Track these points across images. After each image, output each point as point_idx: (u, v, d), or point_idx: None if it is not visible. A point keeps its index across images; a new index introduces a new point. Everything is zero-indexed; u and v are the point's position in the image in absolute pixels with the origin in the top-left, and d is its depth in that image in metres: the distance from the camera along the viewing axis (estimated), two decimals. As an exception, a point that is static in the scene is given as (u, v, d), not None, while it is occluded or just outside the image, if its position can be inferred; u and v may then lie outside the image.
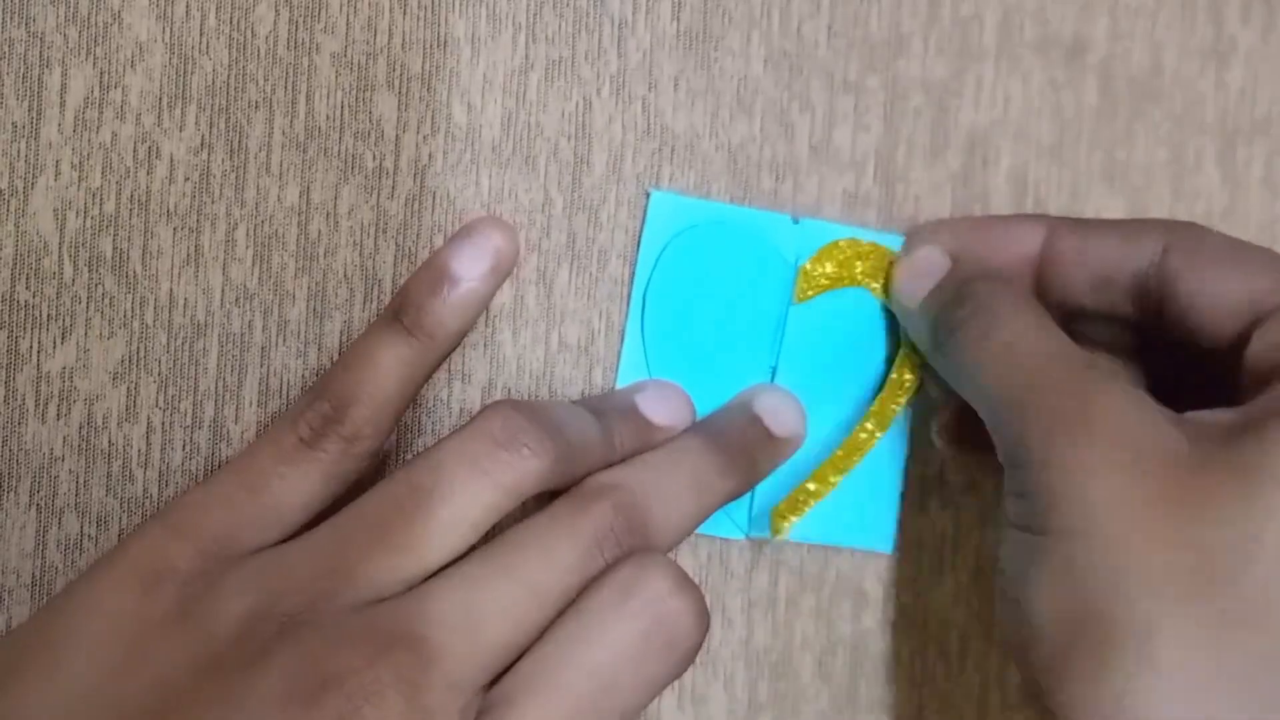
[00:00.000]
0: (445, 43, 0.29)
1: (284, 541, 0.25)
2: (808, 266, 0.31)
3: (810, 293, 0.31)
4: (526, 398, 0.30)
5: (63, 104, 0.28)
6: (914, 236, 0.31)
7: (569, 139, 0.30)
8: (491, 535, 0.25)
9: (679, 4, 0.31)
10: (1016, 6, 0.33)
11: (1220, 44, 0.34)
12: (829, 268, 0.31)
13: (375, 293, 0.29)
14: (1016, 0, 0.33)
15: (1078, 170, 0.33)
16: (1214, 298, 0.27)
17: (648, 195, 0.30)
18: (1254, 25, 0.34)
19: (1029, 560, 0.25)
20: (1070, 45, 0.33)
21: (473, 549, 0.25)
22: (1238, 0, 0.34)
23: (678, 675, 0.24)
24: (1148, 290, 0.28)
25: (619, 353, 0.30)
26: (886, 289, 0.31)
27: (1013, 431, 0.26)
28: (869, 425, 0.31)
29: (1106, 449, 0.24)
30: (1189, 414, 0.26)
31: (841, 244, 0.31)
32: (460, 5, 0.29)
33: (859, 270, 0.31)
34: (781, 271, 0.31)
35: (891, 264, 0.31)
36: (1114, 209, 0.34)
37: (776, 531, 0.30)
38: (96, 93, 0.28)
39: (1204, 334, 0.27)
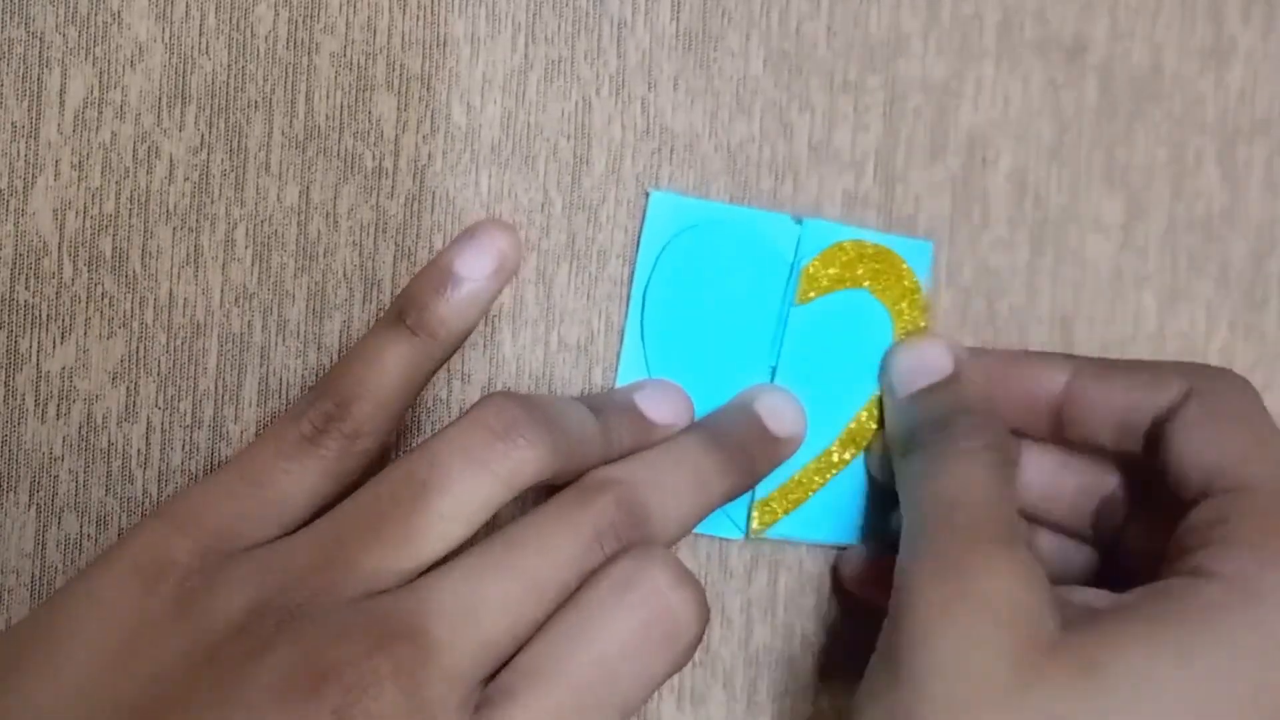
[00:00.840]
0: (445, 43, 0.29)
1: (284, 537, 0.25)
2: (811, 268, 0.31)
3: (812, 294, 0.31)
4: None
5: (62, 104, 0.28)
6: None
7: (568, 139, 0.30)
8: (492, 531, 0.25)
9: (678, 4, 0.31)
10: (1016, 6, 0.33)
11: (1220, 44, 0.34)
12: (832, 270, 0.31)
13: (375, 293, 0.29)
14: (1016, 0, 0.33)
15: (1078, 170, 0.33)
16: (1192, 456, 0.27)
17: (647, 195, 0.30)
18: (1254, 25, 0.34)
19: (871, 680, 0.26)
20: (1070, 45, 0.33)
21: (472, 541, 0.25)
22: (1238, 0, 0.34)
23: (678, 669, 0.25)
24: (1157, 433, 0.28)
25: (618, 353, 0.30)
26: (887, 291, 0.31)
27: (910, 553, 0.27)
28: (842, 448, 0.31)
29: (970, 614, 0.25)
30: (1077, 590, 0.26)
31: (845, 246, 0.31)
32: (459, 5, 0.30)
33: (861, 272, 0.31)
34: (781, 271, 0.31)
35: (895, 345, 0.31)
36: (1114, 209, 0.34)
37: (755, 532, 0.31)
38: (96, 92, 0.28)
39: (1173, 487, 0.27)
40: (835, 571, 0.32)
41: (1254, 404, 0.27)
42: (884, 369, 0.31)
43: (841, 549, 0.32)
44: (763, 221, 0.31)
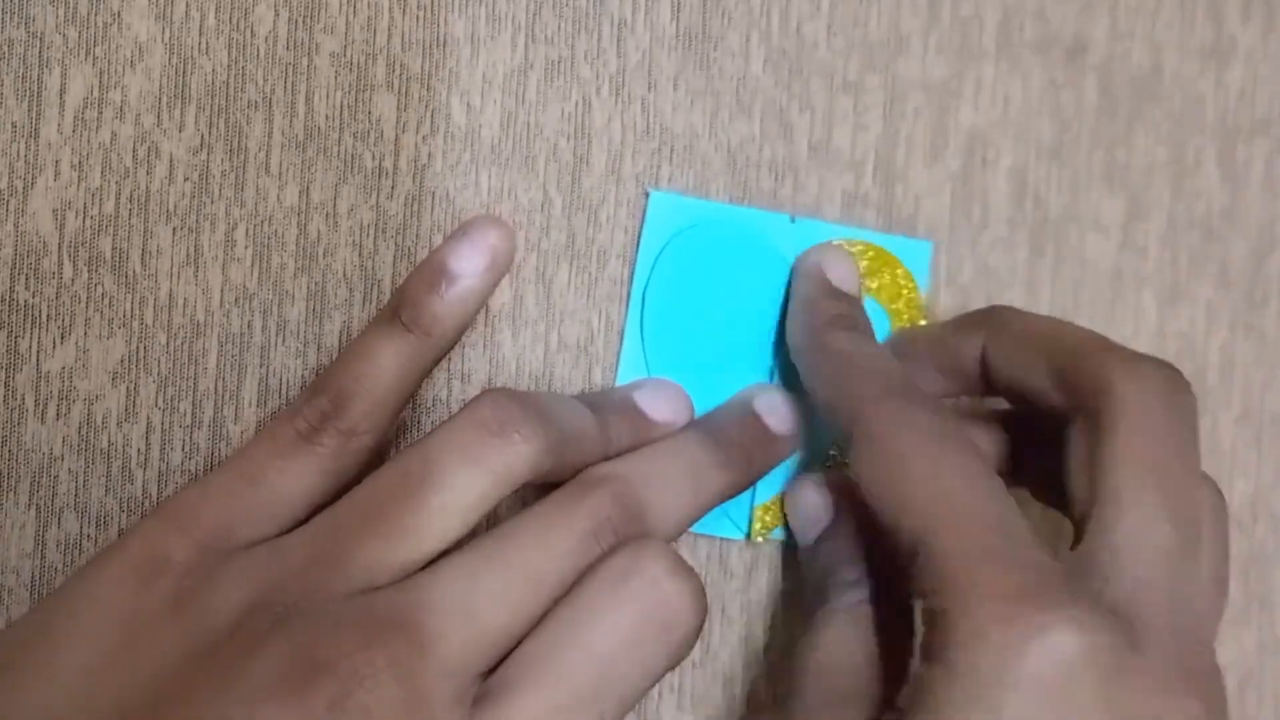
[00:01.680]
0: (444, 43, 0.30)
1: (282, 535, 0.25)
2: None
3: None
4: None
5: (62, 104, 0.28)
6: (901, 345, 0.30)
7: (568, 139, 0.30)
8: (490, 527, 0.25)
9: (678, 4, 0.31)
10: (1016, 6, 0.33)
11: (1220, 44, 0.34)
12: None
13: (375, 293, 0.29)
14: (1016, 0, 0.33)
15: (1078, 170, 0.33)
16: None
17: (647, 195, 0.30)
18: (1254, 25, 0.34)
19: None
20: (1070, 45, 0.33)
21: (471, 536, 0.25)
22: (1238, 0, 0.34)
23: (677, 661, 0.25)
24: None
25: (618, 352, 0.30)
26: (884, 291, 0.31)
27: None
28: (840, 449, 0.31)
29: None
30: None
31: (841, 245, 0.31)
32: (459, 5, 0.30)
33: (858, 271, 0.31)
34: (780, 271, 0.31)
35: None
36: (1114, 209, 0.34)
37: (756, 536, 0.31)
38: (96, 93, 0.28)
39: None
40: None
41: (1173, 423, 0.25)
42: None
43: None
44: (762, 221, 0.31)
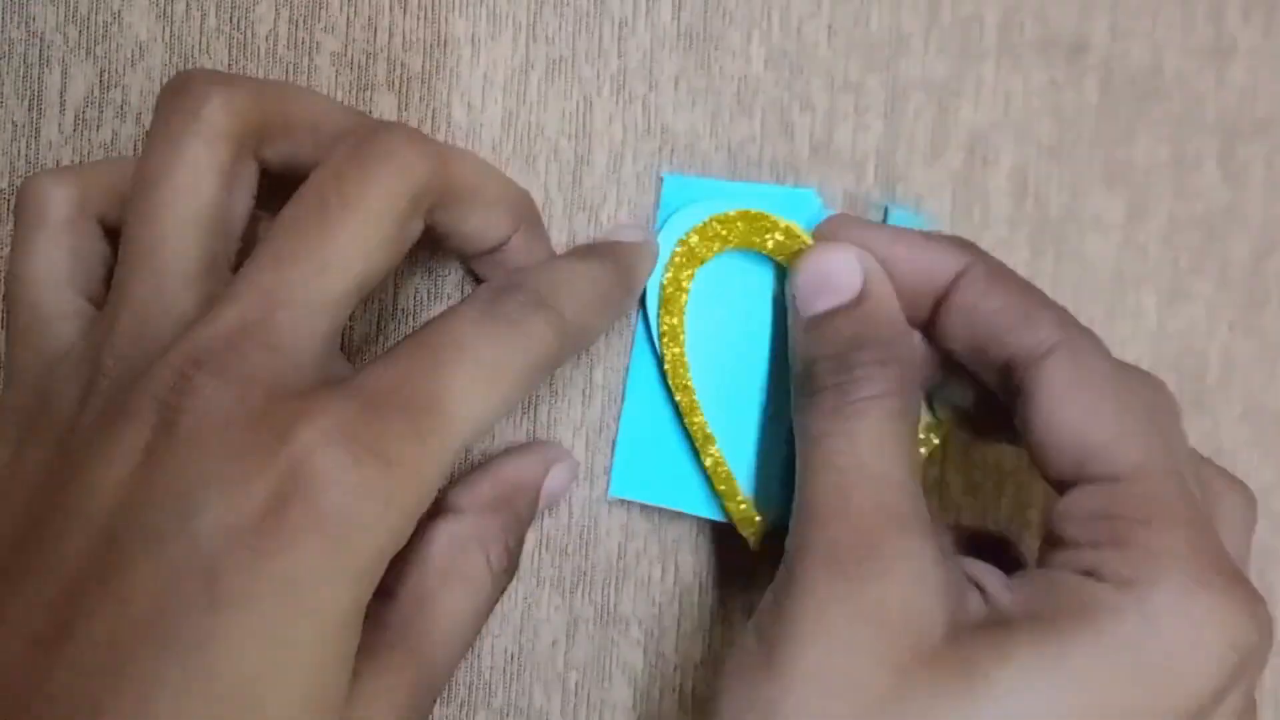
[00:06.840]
0: (445, 42, 0.29)
1: None
2: None
3: None
4: (530, 399, 0.30)
5: (63, 103, 0.28)
6: (831, 229, 0.28)
7: (569, 138, 0.30)
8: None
9: (679, 3, 0.31)
10: (1017, 6, 0.33)
11: (1220, 44, 0.34)
12: None
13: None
14: (1016, 0, 0.33)
15: (1078, 170, 0.33)
16: (1061, 429, 0.24)
17: (660, 179, 0.30)
18: (1254, 25, 0.34)
19: (744, 655, 0.24)
20: (1070, 45, 0.33)
21: None
22: (1238, 0, 0.34)
23: None
24: (1016, 375, 0.25)
25: (622, 351, 0.30)
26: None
27: (801, 536, 0.24)
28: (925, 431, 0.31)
29: (857, 618, 0.23)
30: (968, 562, 0.25)
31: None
32: (460, 5, 0.29)
33: None
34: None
35: (799, 252, 0.28)
36: (1114, 209, 0.34)
37: (756, 544, 0.30)
38: (96, 92, 0.28)
39: (1034, 450, 0.25)
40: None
41: (1115, 370, 0.25)
42: (788, 281, 0.28)
43: None
44: (779, 197, 0.30)
